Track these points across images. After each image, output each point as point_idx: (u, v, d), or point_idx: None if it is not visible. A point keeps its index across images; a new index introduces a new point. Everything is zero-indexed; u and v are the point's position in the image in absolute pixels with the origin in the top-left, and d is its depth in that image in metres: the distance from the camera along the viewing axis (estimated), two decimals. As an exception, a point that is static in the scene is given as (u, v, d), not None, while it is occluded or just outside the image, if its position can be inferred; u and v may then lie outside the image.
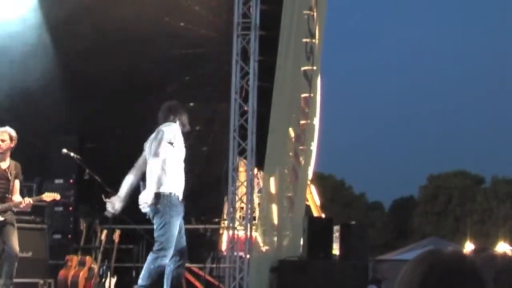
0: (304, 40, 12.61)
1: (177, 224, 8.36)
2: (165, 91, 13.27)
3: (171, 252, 8.30)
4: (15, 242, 9.62)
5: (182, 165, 8.56)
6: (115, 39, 12.56)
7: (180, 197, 8.39)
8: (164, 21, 12.88)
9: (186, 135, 8.98)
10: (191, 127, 13.39)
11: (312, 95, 12.83)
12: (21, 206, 9.70)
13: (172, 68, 13.40)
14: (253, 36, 12.52)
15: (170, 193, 8.30)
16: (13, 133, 9.70)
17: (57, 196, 10.05)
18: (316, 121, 14.00)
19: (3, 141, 9.66)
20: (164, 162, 8.33)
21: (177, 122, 8.73)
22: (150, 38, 12.74)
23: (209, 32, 13.33)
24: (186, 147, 8.71)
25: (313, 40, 12.80)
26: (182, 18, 13.07)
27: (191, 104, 13.64)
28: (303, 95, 12.66)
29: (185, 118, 8.86)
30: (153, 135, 8.57)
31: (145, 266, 8.34)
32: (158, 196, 8.25)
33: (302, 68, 12.60)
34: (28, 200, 9.78)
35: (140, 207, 8.33)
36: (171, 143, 8.40)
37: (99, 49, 12.67)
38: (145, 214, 11.53)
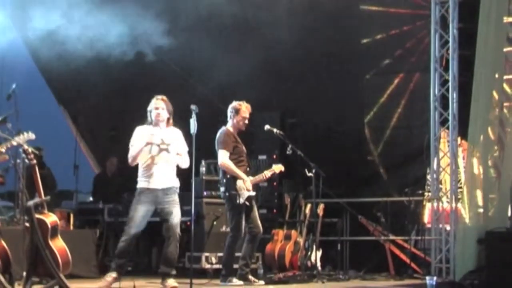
0: (506, 19, 11.97)
1: None
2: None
3: None
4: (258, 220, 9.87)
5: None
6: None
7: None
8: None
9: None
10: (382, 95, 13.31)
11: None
12: (259, 180, 10.01)
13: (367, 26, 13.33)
14: (452, 3, 12.18)
15: None
16: None
17: (282, 168, 10.18)
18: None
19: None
20: None
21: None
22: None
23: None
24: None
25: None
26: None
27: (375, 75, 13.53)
28: (506, 76, 12.08)
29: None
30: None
31: None
32: None
33: (504, 49, 12.01)
34: (265, 174, 10.02)
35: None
36: None
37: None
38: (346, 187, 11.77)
